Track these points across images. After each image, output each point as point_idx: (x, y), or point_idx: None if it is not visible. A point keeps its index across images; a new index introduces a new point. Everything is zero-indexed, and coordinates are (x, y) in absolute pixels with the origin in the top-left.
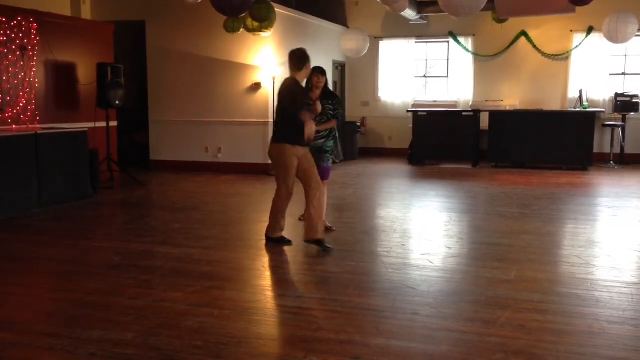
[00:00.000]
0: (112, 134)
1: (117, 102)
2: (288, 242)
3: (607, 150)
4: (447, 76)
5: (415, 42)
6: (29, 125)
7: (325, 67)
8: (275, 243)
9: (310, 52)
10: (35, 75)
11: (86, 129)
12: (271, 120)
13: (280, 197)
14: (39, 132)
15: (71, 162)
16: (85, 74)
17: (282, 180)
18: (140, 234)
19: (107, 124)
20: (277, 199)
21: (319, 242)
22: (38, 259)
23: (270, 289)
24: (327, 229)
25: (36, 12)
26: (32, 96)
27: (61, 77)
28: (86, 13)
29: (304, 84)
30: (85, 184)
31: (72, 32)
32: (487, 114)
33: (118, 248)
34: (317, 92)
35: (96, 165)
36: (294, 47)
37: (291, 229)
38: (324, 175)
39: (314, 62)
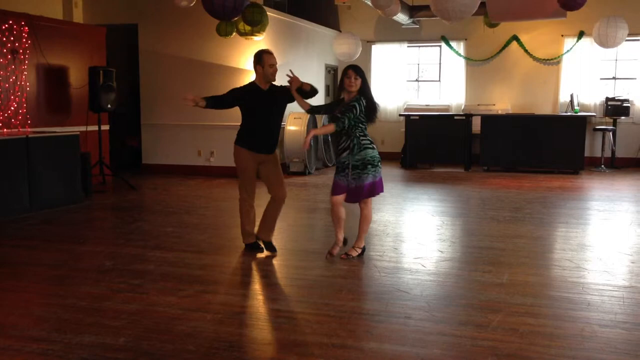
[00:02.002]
0: (104, 137)
1: (109, 106)
2: (259, 249)
3: (598, 154)
4: (439, 80)
5: (408, 46)
6: (20, 129)
7: (317, 71)
8: (249, 249)
9: (302, 56)
10: (27, 79)
11: (78, 133)
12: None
13: (240, 201)
14: (30, 135)
15: (63, 165)
16: (77, 77)
17: (239, 184)
18: (132, 237)
19: (99, 127)
20: (239, 202)
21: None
22: (29, 263)
23: (262, 293)
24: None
25: (28, 15)
26: (24, 100)
27: (53, 80)
28: (78, 16)
29: (265, 85)
30: (77, 187)
31: (63, 35)
32: (479, 118)
33: (110, 252)
34: (349, 96)
35: (88, 169)
36: (287, 51)
37: (278, 237)
38: (357, 194)
39: (307, 66)
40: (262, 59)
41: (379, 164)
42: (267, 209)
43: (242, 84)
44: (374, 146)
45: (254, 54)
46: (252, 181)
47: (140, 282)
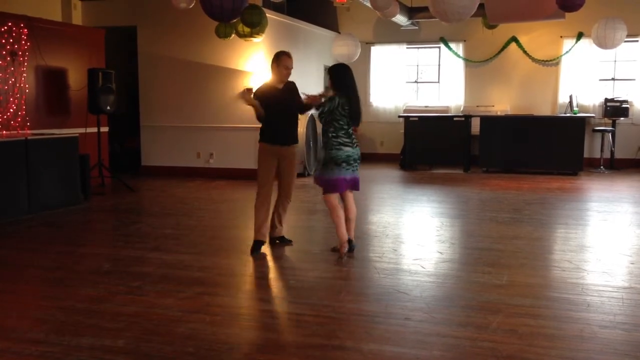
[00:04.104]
0: (103, 139)
1: (108, 108)
2: (259, 250)
3: (597, 155)
4: (438, 81)
5: (407, 48)
6: (19, 131)
7: (316, 72)
8: (257, 246)
9: (301, 57)
10: (26, 81)
11: (77, 135)
12: None
13: (256, 196)
14: (29, 137)
15: (62, 167)
16: (76, 79)
17: (258, 180)
18: (131, 240)
19: (98, 129)
20: (255, 200)
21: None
22: (28, 265)
23: (261, 294)
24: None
25: (27, 17)
26: (23, 102)
27: (52, 82)
28: (77, 18)
29: (281, 83)
30: (75, 189)
31: (62, 37)
32: (478, 119)
33: (109, 254)
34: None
35: (87, 171)
36: None
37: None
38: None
39: (306, 68)
40: (280, 59)
41: (343, 164)
42: (275, 207)
43: (240, 86)
44: (343, 147)
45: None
46: (270, 176)
47: (139, 284)
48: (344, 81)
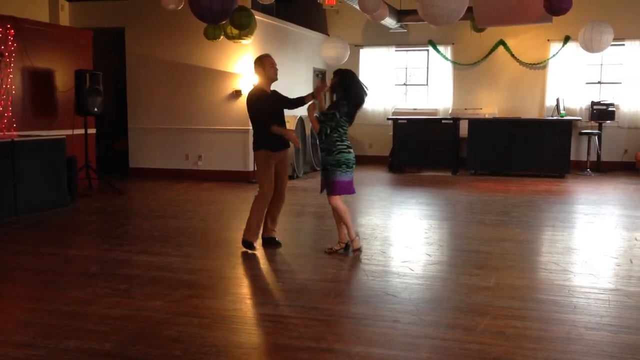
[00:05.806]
0: (91, 141)
1: (96, 109)
2: (254, 248)
3: (583, 158)
4: (426, 84)
5: (395, 50)
6: (6, 133)
7: (305, 75)
8: (248, 247)
9: (290, 60)
10: (12, 82)
11: (64, 136)
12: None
13: (261, 196)
14: (15, 139)
15: (49, 169)
16: (63, 80)
17: (264, 184)
18: (118, 242)
19: (85, 131)
20: (259, 203)
21: (271, 241)
22: (14, 267)
23: (250, 297)
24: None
25: (14, 18)
26: (9, 103)
27: (39, 83)
28: (64, 19)
29: (270, 86)
30: (63, 191)
31: (50, 38)
32: (467, 121)
33: (96, 257)
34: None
35: (74, 172)
36: (275, 54)
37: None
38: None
39: (295, 70)
40: (263, 61)
41: (353, 166)
42: (271, 205)
43: (228, 89)
44: (351, 150)
45: (253, 60)
46: (272, 180)
47: (126, 286)
48: (343, 81)
